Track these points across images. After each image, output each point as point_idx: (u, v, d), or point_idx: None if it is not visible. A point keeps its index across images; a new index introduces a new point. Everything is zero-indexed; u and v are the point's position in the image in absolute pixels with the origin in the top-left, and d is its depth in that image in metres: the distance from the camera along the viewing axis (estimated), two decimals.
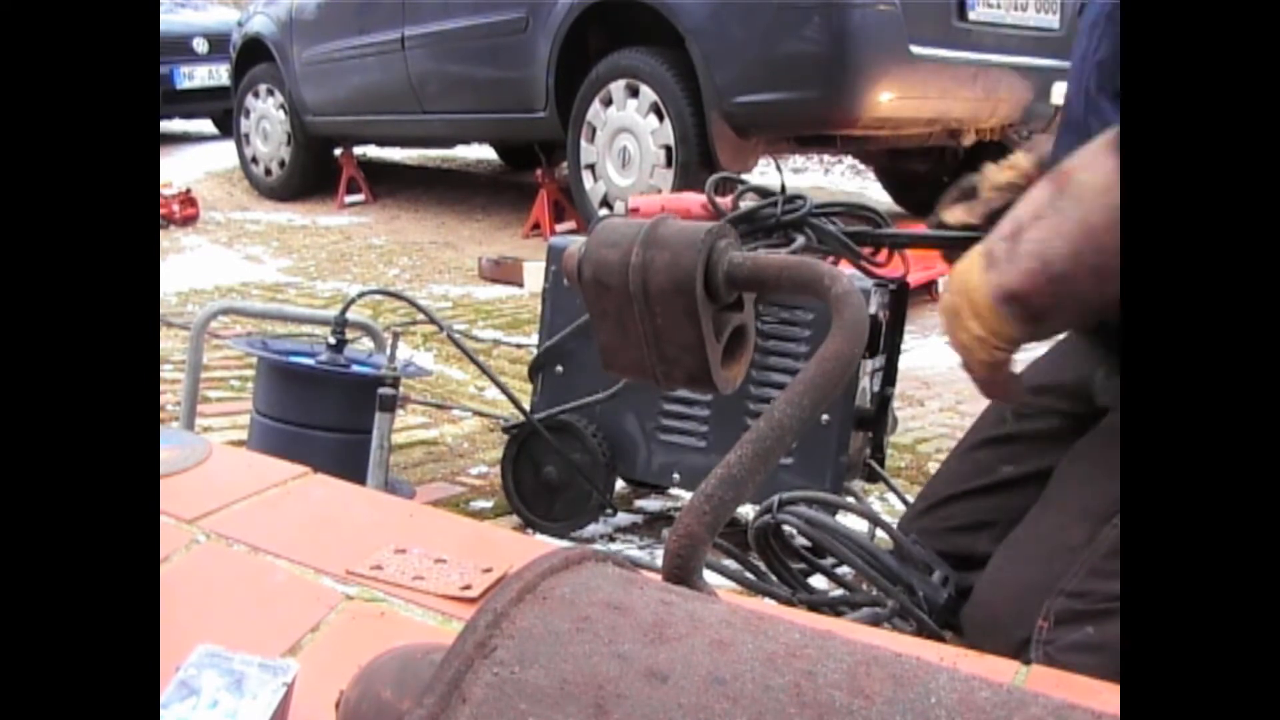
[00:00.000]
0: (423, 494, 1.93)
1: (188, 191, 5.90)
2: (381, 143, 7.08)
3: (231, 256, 4.96)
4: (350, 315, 1.75)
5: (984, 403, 1.24)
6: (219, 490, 1.01)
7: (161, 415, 2.33)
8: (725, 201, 1.65)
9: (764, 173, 7.18)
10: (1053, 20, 4.31)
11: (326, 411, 1.68)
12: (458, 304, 3.86)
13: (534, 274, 3.99)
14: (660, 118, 4.16)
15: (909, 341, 1.75)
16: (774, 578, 1.28)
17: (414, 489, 1.92)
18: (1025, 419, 1.22)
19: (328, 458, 1.48)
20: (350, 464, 1.57)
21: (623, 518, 1.91)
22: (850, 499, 1.63)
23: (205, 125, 9.45)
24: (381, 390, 1.60)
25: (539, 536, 1.71)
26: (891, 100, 3.78)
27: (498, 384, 1.78)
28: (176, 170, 7.01)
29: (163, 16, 7.96)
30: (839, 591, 1.30)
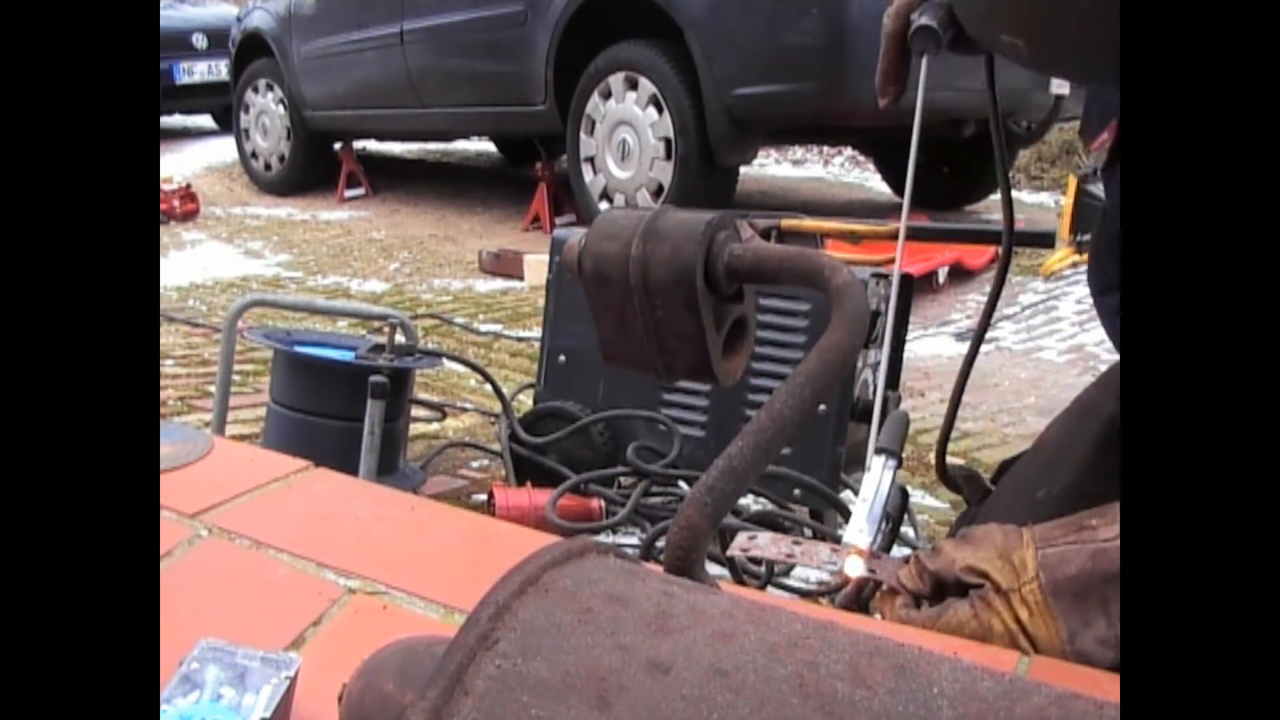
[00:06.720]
0: (424, 487, 1.93)
1: (188, 187, 5.90)
2: (381, 137, 7.08)
3: (232, 251, 4.96)
4: (377, 309, 1.77)
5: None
6: (221, 485, 1.01)
7: (162, 410, 2.33)
8: None
9: (764, 165, 7.19)
10: None
11: (357, 403, 1.71)
12: (458, 298, 3.86)
13: (534, 267, 3.99)
14: (659, 110, 4.15)
15: (910, 332, 1.74)
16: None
17: (426, 475, 1.93)
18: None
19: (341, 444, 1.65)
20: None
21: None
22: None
23: (205, 120, 9.45)
24: (373, 379, 1.63)
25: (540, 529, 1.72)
26: None
27: (502, 399, 1.79)
28: (176, 165, 7.02)
29: (162, 12, 7.98)
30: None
